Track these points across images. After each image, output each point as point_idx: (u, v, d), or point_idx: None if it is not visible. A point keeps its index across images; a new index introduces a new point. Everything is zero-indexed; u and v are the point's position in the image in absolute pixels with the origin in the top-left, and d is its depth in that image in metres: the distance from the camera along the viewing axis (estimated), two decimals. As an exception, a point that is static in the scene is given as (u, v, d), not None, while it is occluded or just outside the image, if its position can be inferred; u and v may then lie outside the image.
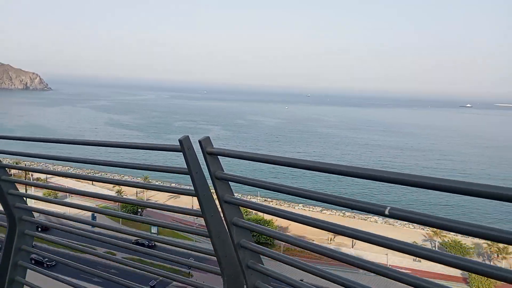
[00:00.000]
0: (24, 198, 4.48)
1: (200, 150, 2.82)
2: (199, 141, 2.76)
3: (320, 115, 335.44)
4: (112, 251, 46.36)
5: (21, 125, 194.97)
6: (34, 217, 4.42)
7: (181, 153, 2.84)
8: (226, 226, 2.85)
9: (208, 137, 2.81)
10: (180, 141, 2.82)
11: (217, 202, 2.88)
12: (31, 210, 4.40)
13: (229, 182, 2.85)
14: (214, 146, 2.79)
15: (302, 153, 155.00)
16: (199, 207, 2.96)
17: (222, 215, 2.86)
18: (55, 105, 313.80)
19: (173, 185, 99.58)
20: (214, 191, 2.86)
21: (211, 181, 2.86)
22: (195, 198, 2.92)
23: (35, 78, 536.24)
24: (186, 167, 2.86)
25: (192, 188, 2.94)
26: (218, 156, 2.80)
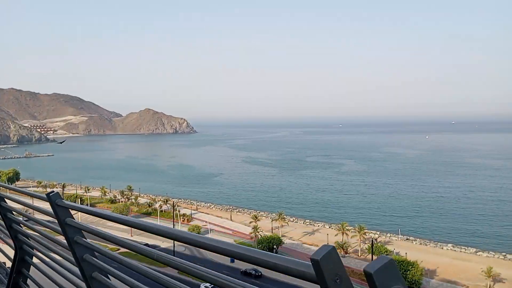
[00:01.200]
0: None
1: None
2: (367, 273, 1.40)
3: (468, 144, 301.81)
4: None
5: (171, 165, 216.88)
6: None
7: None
8: None
9: (392, 263, 1.42)
10: (315, 261, 1.44)
11: None
12: None
13: None
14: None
15: (449, 187, 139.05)
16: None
17: None
18: (199, 146, 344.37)
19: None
20: None
21: None
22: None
23: (183, 123, 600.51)
24: None
25: None
26: None
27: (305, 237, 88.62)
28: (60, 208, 3.45)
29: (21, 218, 4.83)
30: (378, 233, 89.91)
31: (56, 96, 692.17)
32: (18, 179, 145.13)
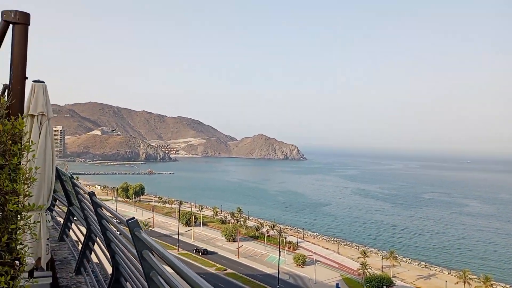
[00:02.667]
0: None
1: None
2: None
3: None
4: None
5: (280, 191, 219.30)
6: None
7: None
8: None
9: None
10: None
11: None
12: None
13: None
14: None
15: None
16: None
17: None
18: (309, 174, 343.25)
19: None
20: None
21: None
22: None
23: (294, 149, 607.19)
24: None
25: None
26: None
27: (419, 281, 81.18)
28: (137, 238, 3.21)
29: (118, 242, 4.64)
30: (508, 286, 78.46)
31: (180, 119, 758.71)
32: (143, 194, 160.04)
